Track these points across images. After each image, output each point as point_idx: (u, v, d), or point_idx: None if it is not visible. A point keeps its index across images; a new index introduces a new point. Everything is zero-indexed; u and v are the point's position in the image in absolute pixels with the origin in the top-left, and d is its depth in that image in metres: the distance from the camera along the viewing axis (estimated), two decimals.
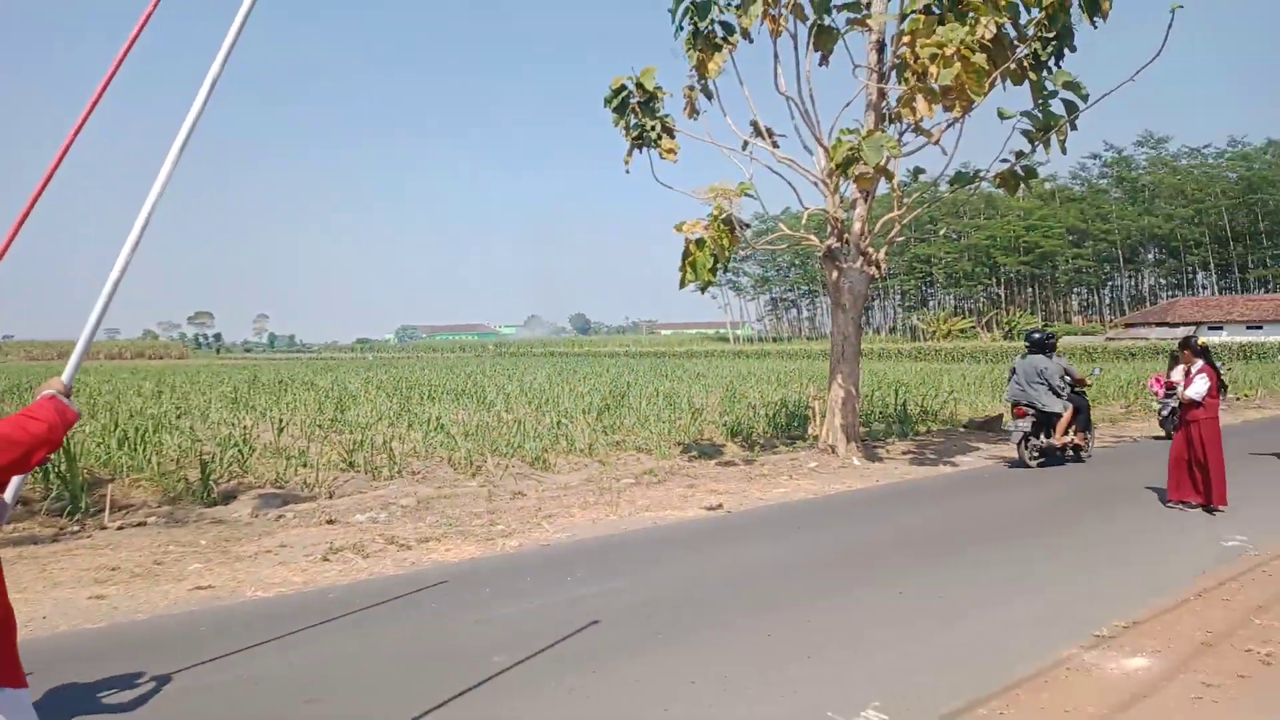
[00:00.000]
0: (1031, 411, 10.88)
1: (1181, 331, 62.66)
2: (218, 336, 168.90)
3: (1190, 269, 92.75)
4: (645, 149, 10.96)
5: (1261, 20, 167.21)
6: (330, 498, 9.13)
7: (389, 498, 9.06)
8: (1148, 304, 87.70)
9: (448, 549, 7.10)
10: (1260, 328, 61.86)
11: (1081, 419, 11.33)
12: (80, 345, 2.71)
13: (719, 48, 10.32)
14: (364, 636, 4.85)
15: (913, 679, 4.16)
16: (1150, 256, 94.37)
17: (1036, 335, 11.51)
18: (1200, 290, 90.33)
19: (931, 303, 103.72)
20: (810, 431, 13.15)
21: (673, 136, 10.79)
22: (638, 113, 10.52)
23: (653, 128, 10.49)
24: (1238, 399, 22.84)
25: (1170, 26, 9.76)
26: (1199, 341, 8.45)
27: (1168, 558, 6.49)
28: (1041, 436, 10.97)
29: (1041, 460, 10.95)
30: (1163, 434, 14.13)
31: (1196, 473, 8.07)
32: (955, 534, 7.38)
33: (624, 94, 10.55)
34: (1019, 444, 11.00)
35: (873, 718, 3.73)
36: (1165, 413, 14.04)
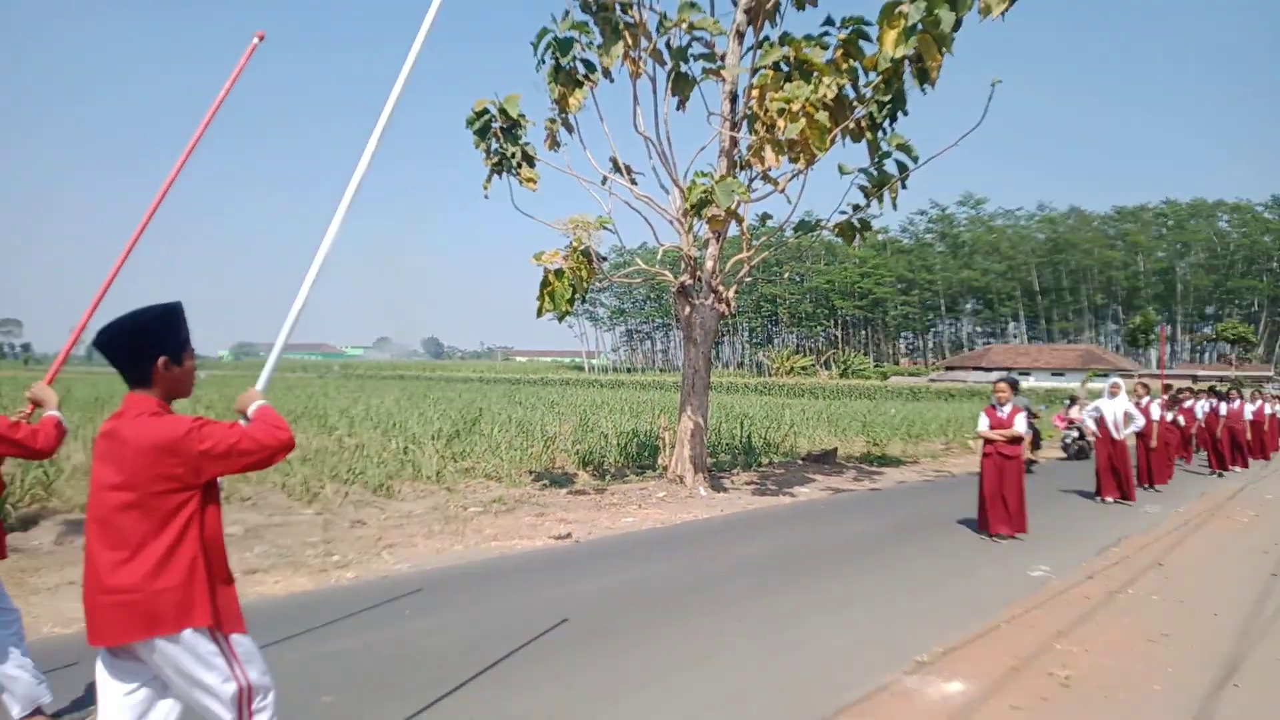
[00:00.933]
0: None
1: (995, 375, 68.51)
2: (26, 346, 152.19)
3: (1004, 319, 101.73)
4: (505, 175, 10.96)
5: (1069, 97, 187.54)
6: None
7: None
8: (965, 349, 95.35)
9: (276, 581, 6.73)
10: (1062, 374, 68.58)
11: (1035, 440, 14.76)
12: (271, 359, 3.13)
13: (580, 84, 10.51)
14: None
15: (747, 707, 4.31)
16: (969, 306, 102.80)
17: (1013, 379, 12.40)
18: (1012, 339, 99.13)
19: (776, 340, 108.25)
20: (660, 462, 13.41)
21: (533, 165, 10.85)
22: (499, 138, 10.52)
23: (513, 155, 10.50)
24: (1045, 439, 25.10)
25: (990, 99, 10.83)
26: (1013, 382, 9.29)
27: (981, 587, 6.96)
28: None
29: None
30: (1065, 456, 18.56)
31: (1008, 506, 8.82)
32: (790, 563, 7.71)
33: (486, 117, 10.52)
34: None
35: None
36: (1068, 441, 18.63)
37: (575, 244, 9.92)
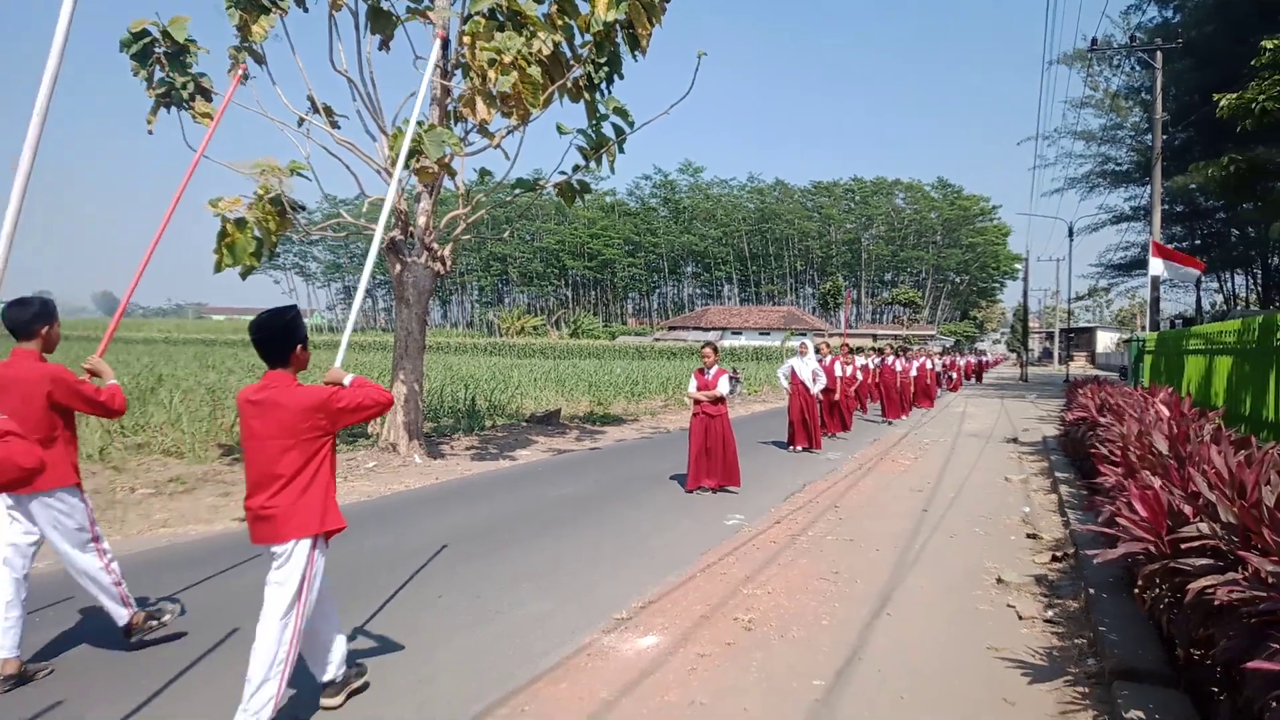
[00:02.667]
0: None
1: (712, 335, 73.45)
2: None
3: (720, 282, 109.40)
4: (175, 109, 9.49)
5: (778, 78, 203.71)
6: None
7: None
8: (686, 310, 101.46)
9: None
10: (769, 334, 75.09)
11: None
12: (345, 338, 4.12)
13: (266, 10, 9.29)
14: None
15: (434, 689, 4.07)
16: (689, 269, 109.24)
17: (715, 343, 12.56)
18: (727, 300, 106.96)
19: (507, 300, 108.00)
20: (371, 429, 12.63)
21: (209, 99, 9.50)
22: (163, 65, 9.05)
23: (184, 85, 9.10)
24: (748, 394, 27.27)
25: (697, 70, 11.20)
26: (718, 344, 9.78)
27: (682, 540, 7.23)
28: None
29: None
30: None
31: (713, 461, 9.29)
32: (501, 530, 7.54)
33: (147, 40, 8.97)
34: None
35: None
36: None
37: (262, 191, 8.83)
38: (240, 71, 4.18)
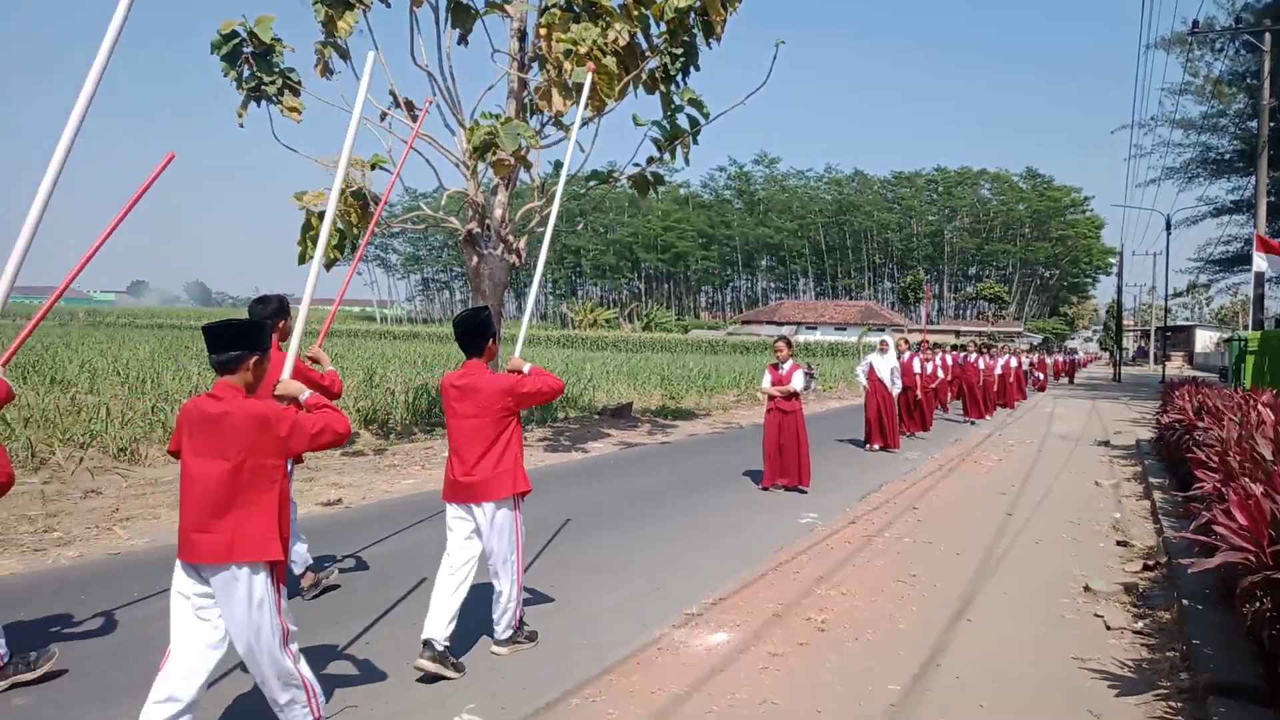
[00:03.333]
0: None
1: (786, 329, 72.69)
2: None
3: (795, 275, 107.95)
4: (265, 103, 9.81)
5: (861, 67, 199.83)
6: None
7: None
8: (760, 304, 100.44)
9: None
10: (845, 329, 73.80)
11: None
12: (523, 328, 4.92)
13: (350, 6, 9.51)
14: None
15: (509, 676, 4.10)
16: (764, 262, 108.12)
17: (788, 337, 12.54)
18: (801, 294, 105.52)
19: (580, 292, 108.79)
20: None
21: (297, 94, 9.78)
22: (252, 64, 9.35)
23: (272, 82, 9.39)
24: (823, 391, 26.87)
25: (775, 58, 11.02)
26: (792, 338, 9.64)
27: (755, 537, 7.15)
28: None
29: None
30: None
31: (786, 459, 9.14)
32: (573, 521, 7.58)
33: (236, 41, 9.29)
34: None
35: None
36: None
37: (345, 184, 9.06)
38: (427, 104, 5.02)
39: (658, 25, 10.38)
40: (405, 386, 16.49)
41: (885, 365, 12.93)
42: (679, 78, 11.30)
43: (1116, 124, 61.01)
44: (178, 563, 2.94)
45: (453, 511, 4.29)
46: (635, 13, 9.60)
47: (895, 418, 13.07)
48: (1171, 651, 4.52)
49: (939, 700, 3.91)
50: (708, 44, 9.87)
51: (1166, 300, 46.82)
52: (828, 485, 9.50)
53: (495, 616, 4.39)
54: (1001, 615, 5.16)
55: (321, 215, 8.84)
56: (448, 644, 4.07)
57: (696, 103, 11.13)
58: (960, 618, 5.09)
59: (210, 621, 2.92)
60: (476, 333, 4.30)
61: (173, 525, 6.79)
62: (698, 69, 11.31)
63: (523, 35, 10.82)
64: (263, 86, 9.37)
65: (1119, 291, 53.91)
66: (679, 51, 10.62)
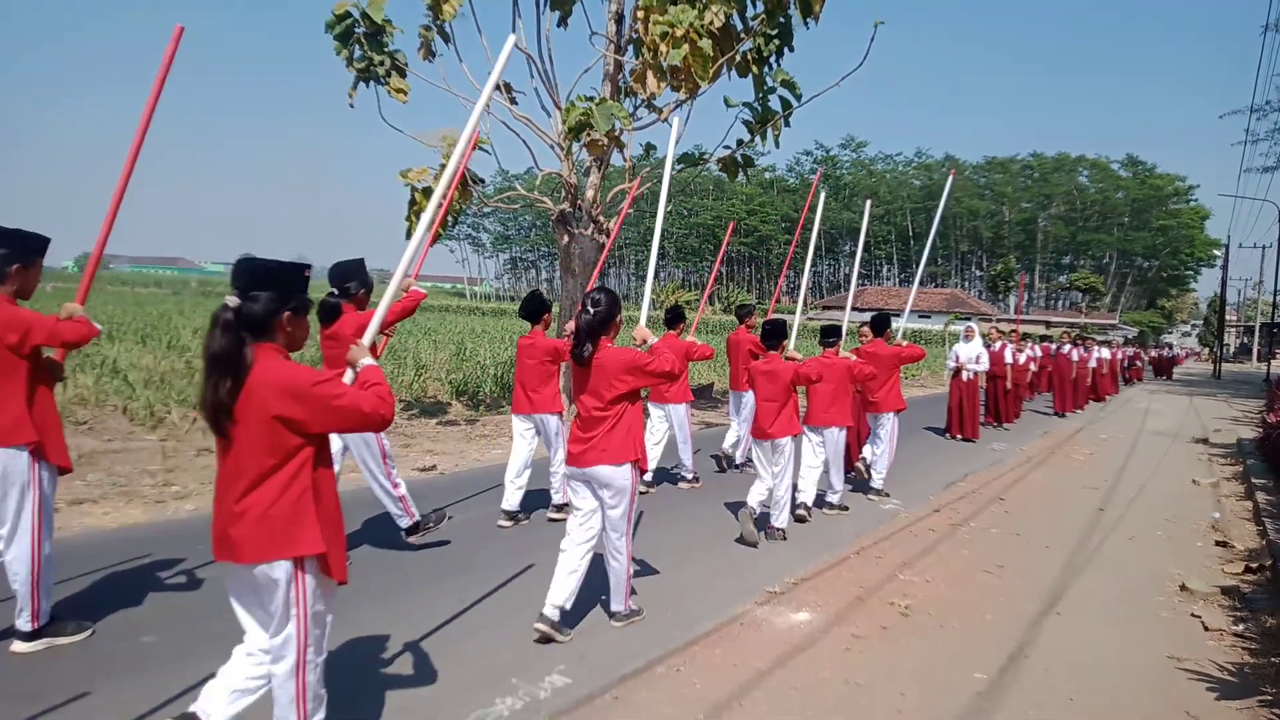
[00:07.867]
0: None
1: (868, 315, 71.19)
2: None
3: (879, 262, 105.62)
4: (373, 84, 10.17)
5: (954, 52, 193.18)
6: None
7: None
8: (843, 290, 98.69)
9: (106, 512, 6.24)
10: (929, 317, 71.94)
11: None
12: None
13: None
14: None
15: (598, 640, 4.28)
16: (847, 248, 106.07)
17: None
18: (885, 281, 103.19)
19: (663, 274, 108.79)
20: None
21: (404, 76, 10.11)
22: (363, 44, 9.70)
23: (381, 63, 9.73)
24: (905, 378, 26.34)
25: (873, 39, 10.82)
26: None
27: (835, 519, 7.19)
28: None
29: None
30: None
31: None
32: (657, 497, 7.74)
33: (349, 21, 9.64)
34: None
35: (556, 682, 3.77)
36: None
37: (445, 162, 9.38)
38: (634, 189, 5.63)
39: (754, 6, 10.32)
40: (494, 360, 16.94)
41: (970, 351, 12.71)
42: (772, 60, 11.20)
43: (1225, 109, 57.25)
44: None
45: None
46: None
47: (977, 408, 12.81)
48: (1276, 657, 4.39)
49: (1026, 692, 3.92)
50: (805, 24, 9.76)
51: (1275, 295, 44.06)
52: (911, 473, 9.39)
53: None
54: (1092, 611, 5.09)
55: (426, 191, 9.17)
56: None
57: (790, 84, 11.02)
58: (1049, 611, 5.04)
59: None
60: (541, 308, 6.10)
61: None
62: (792, 50, 11.18)
63: (620, 18, 10.91)
64: (372, 67, 9.73)
65: (1223, 285, 50.97)
66: (774, 32, 10.54)
